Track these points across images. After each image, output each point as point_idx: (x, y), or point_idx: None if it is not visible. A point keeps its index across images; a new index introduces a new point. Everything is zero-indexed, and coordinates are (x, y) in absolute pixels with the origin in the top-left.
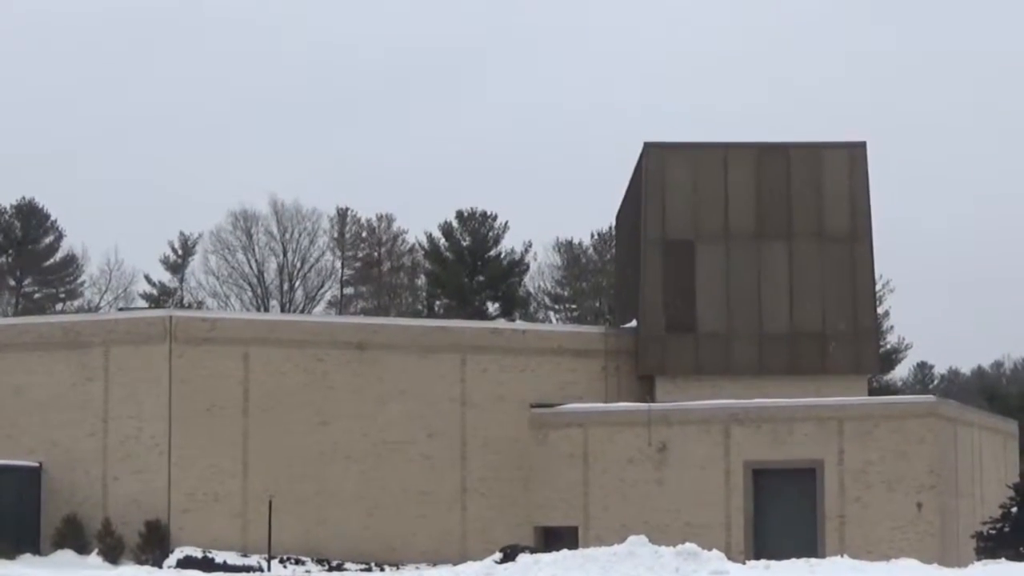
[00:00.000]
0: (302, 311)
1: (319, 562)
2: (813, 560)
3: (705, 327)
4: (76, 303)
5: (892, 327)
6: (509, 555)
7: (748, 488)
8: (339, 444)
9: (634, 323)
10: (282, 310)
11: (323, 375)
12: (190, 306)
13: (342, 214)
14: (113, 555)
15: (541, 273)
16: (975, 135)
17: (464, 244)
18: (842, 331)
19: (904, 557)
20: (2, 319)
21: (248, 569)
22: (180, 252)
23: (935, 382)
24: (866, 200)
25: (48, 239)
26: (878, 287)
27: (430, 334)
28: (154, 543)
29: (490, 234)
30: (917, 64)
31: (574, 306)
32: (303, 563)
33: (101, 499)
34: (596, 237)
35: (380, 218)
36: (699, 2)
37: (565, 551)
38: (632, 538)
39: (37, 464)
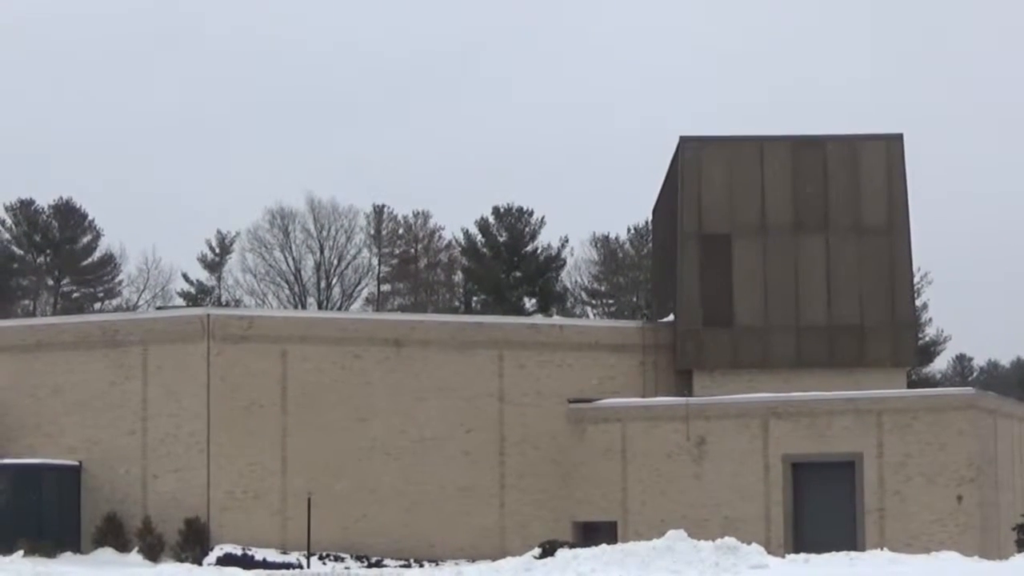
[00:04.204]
0: (339, 308)
1: (358, 559)
2: (853, 553)
3: (742, 321)
4: (114, 302)
5: (930, 319)
6: (548, 550)
7: (787, 482)
8: (377, 441)
9: (671, 317)
10: (319, 307)
11: (361, 372)
12: (228, 304)
13: (379, 211)
14: (153, 553)
15: (578, 268)
16: (1011, 127)
17: (501, 240)
18: (880, 323)
19: (944, 550)
20: (41, 318)
21: (288, 566)
22: (217, 250)
23: (974, 374)
24: (903, 192)
25: (86, 238)
26: (916, 279)
27: (467, 330)
28: (194, 541)
29: (527, 230)
30: (949, 58)
31: (611, 301)
32: (342, 560)
33: (141, 497)
34: (633, 232)
35: (417, 215)
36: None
37: (604, 546)
38: (671, 533)
39: (77, 463)
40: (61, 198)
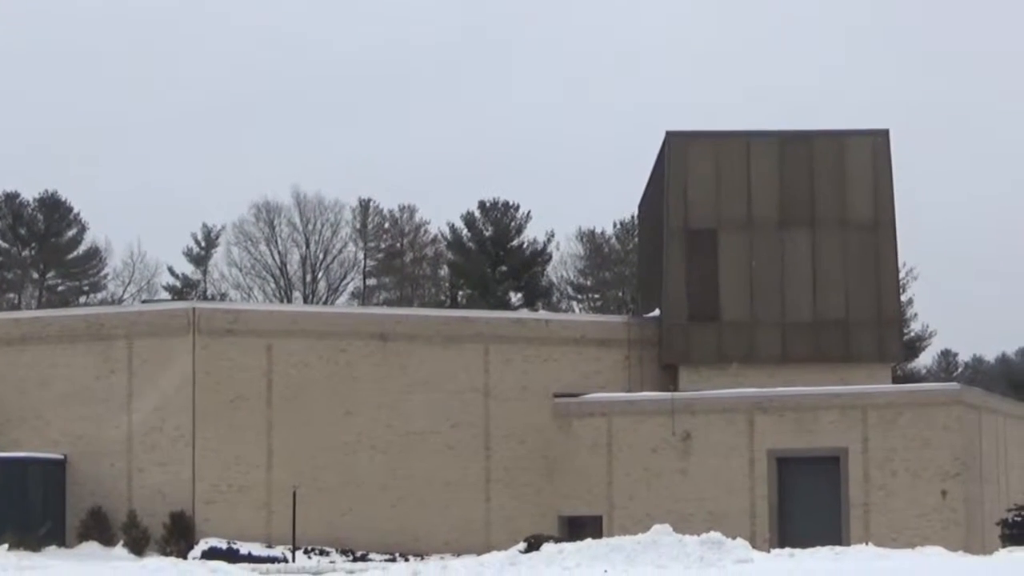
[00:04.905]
0: (325, 302)
1: (344, 553)
2: (838, 548)
3: (728, 316)
4: (99, 296)
5: (916, 315)
6: (533, 545)
7: (772, 477)
8: (363, 435)
9: (657, 312)
10: (305, 301)
11: (346, 366)
12: (213, 298)
13: (364, 205)
14: (138, 547)
15: (564, 263)
16: (1002, 120)
17: (487, 234)
18: (866, 319)
19: (929, 545)
20: (26, 312)
21: (273, 560)
22: (203, 244)
23: (959, 370)
24: (889, 188)
25: (71, 232)
26: (902, 275)
27: (453, 324)
28: (179, 535)
29: (512, 224)
30: (938, 52)
31: (597, 296)
32: (328, 554)
33: (126, 491)
34: (619, 226)
35: (402, 209)
36: None
37: (590, 540)
38: (656, 527)
39: (62, 456)
40: (46, 191)
